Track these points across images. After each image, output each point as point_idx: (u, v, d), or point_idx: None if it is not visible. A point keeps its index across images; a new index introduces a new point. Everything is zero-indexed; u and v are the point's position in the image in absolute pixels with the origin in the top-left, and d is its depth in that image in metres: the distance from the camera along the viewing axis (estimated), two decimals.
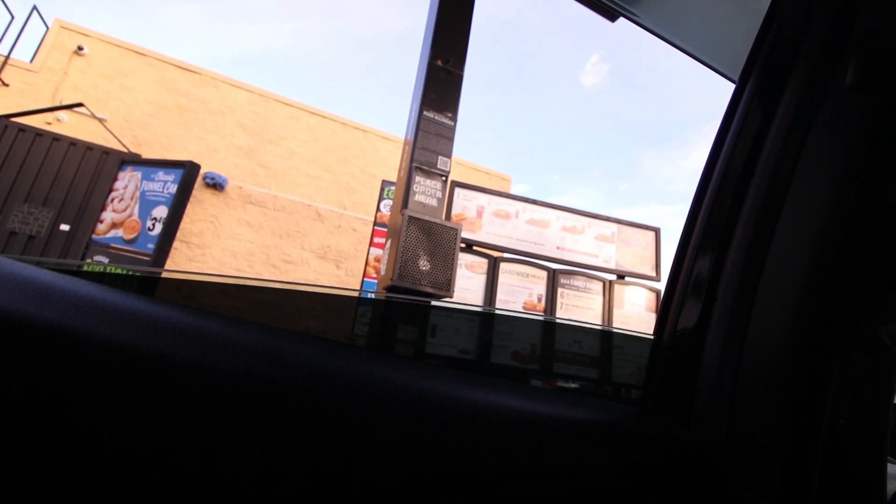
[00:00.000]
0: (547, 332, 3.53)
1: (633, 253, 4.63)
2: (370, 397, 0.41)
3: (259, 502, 0.34)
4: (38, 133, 5.61)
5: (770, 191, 0.55)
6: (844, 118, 0.50)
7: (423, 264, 2.30)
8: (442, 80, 2.69)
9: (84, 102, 6.16)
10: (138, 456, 0.32)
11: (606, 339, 3.61)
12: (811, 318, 0.52)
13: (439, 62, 2.69)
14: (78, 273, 0.38)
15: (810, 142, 0.52)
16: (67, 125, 6.46)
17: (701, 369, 0.59)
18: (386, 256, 2.60)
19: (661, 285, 4.58)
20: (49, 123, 6.30)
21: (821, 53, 0.53)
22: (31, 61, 6.63)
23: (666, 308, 0.63)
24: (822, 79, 0.53)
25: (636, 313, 4.40)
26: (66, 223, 5.49)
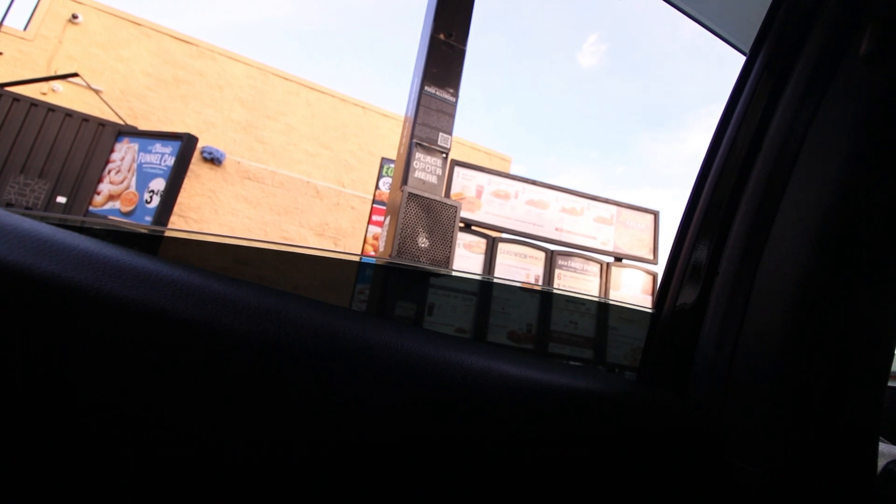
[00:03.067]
0: (543, 312, 3.55)
1: (632, 235, 4.63)
2: (372, 361, 0.41)
3: (258, 460, 0.34)
4: (34, 103, 5.51)
5: (777, 164, 0.55)
6: (857, 89, 0.49)
7: (422, 241, 2.29)
8: (444, 55, 2.64)
9: (79, 72, 6.04)
10: (137, 411, 0.32)
11: (603, 321, 3.64)
12: (812, 294, 0.52)
13: (441, 36, 2.64)
14: (82, 229, 0.37)
15: (821, 114, 0.52)
16: (63, 96, 6.35)
17: (699, 342, 0.59)
18: (385, 233, 2.59)
19: (658, 268, 4.59)
20: (44, 94, 6.19)
21: (835, 23, 0.52)
22: (25, 29, 6.47)
23: (667, 280, 0.63)
24: (835, 49, 0.52)
25: (632, 296, 4.42)
26: (62, 195, 5.45)
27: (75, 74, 5.92)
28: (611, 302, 4.01)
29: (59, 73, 6.23)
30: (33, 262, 0.31)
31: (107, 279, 0.32)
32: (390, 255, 2.26)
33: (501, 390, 0.45)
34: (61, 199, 5.44)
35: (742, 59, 0.68)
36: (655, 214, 4.75)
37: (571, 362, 3.48)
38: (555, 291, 3.84)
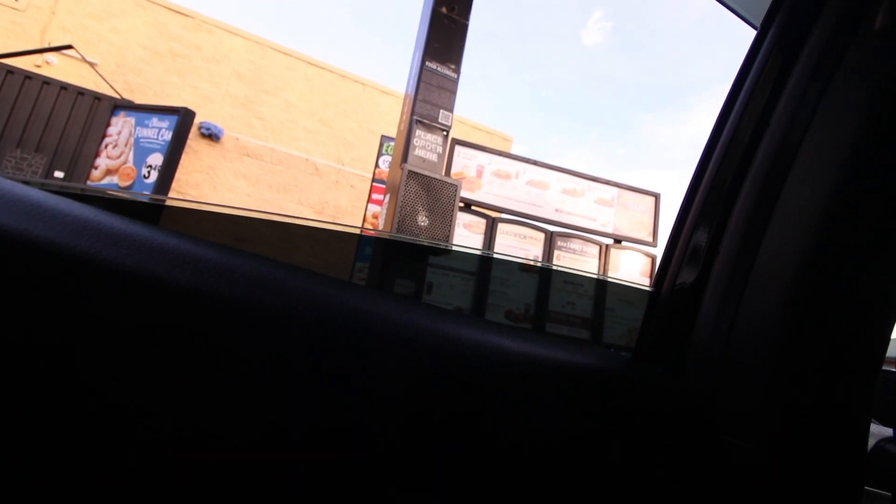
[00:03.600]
0: (541, 292, 3.57)
1: (632, 217, 4.62)
2: (370, 333, 0.41)
3: (255, 429, 0.34)
4: (28, 76, 5.42)
5: (784, 141, 0.54)
6: (870, 65, 0.48)
7: (422, 220, 2.28)
8: (446, 29, 2.58)
9: (73, 45, 5.92)
10: (130, 379, 0.32)
11: (600, 302, 3.66)
12: (811, 276, 0.52)
13: (444, 9, 2.57)
14: (82, 197, 0.37)
15: (831, 89, 0.50)
16: (57, 68, 6.24)
17: (697, 321, 0.59)
18: (384, 212, 2.58)
19: (658, 251, 4.59)
20: (38, 66, 6.08)
21: None
22: (17, 0, 6.32)
23: (667, 260, 0.63)
24: (849, 22, 0.50)
25: (631, 278, 4.44)
26: (60, 170, 5.40)
27: (69, 47, 5.79)
28: (609, 279, 4.02)
29: (53, 45, 6.10)
30: (26, 226, 0.30)
31: (101, 246, 0.32)
32: (389, 235, 2.26)
33: (499, 364, 0.45)
34: (59, 174, 5.40)
35: (751, 35, 0.66)
36: (656, 197, 4.72)
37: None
38: (553, 268, 3.85)
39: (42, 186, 0.38)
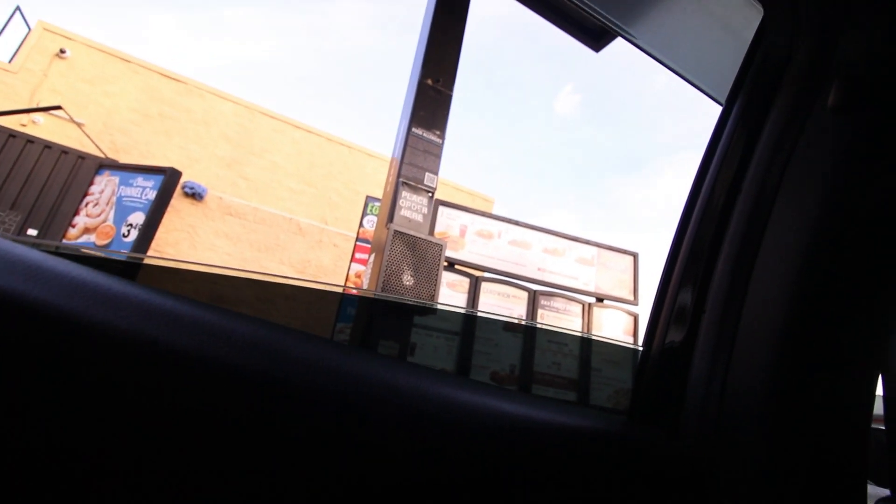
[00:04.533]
0: (526, 352, 3.53)
1: (612, 276, 4.70)
2: (368, 397, 0.40)
3: (251, 491, 0.32)
4: (12, 134, 5.44)
5: (756, 206, 0.57)
6: (826, 138, 0.53)
7: (407, 279, 2.28)
8: (431, 99, 2.73)
9: (63, 106, 6.02)
10: (130, 444, 0.30)
11: (586, 362, 3.63)
12: (796, 332, 0.53)
13: (430, 81, 2.74)
14: (57, 253, 0.37)
15: (794, 160, 0.55)
16: (43, 128, 6.30)
17: (689, 380, 0.59)
18: (369, 270, 2.58)
19: (638, 309, 4.65)
20: (24, 125, 6.13)
21: (804, 77, 0.56)
22: (10, 62, 6.48)
23: (655, 319, 0.64)
24: (805, 101, 0.55)
25: (614, 337, 4.44)
26: (34, 227, 5.30)
27: (58, 107, 5.89)
28: (594, 338, 4.01)
29: (42, 105, 6.20)
30: (24, 288, 0.30)
31: (98, 307, 0.31)
32: (374, 294, 2.24)
33: (498, 428, 0.45)
34: (32, 232, 5.29)
35: (717, 109, 0.72)
36: (635, 256, 4.84)
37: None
38: (538, 326, 3.84)
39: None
